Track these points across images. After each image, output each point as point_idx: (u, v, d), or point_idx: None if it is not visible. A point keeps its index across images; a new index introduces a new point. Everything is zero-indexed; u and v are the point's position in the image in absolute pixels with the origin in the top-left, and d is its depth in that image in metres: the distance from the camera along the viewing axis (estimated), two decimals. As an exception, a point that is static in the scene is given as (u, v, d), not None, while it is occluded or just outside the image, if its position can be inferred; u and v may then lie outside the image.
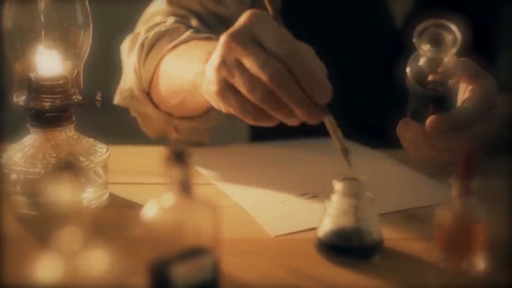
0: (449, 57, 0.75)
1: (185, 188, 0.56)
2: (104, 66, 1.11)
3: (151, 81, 0.92)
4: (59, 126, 0.77)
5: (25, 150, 0.76)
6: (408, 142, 0.78)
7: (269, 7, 0.72)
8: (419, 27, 0.74)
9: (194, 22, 0.97)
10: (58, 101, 0.76)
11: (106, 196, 0.80)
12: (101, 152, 0.79)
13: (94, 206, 0.78)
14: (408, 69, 0.76)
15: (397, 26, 1.02)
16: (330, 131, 0.72)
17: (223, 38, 0.69)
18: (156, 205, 0.56)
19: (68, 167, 0.43)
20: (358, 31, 1.06)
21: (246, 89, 0.67)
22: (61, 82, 0.77)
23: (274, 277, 0.66)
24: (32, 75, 0.76)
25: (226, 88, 0.70)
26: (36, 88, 0.76)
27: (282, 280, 0.65)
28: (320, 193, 0.81)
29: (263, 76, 0.66)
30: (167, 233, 0.56)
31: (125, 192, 0.82)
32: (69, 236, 0.45)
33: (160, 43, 0.90)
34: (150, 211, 0.56)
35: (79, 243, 0.45)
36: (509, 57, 1.03)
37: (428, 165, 0.86)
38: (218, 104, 0.73)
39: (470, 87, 0.79)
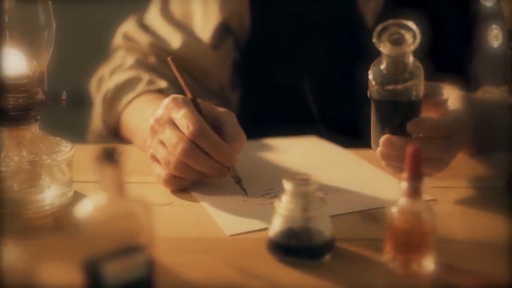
0: (409, 55, 0.75)
1: (117, 186, 0.56)
2: (71, 65, 1.12)
3: (116, 124, 1.06)
4: (23, 125, 0.78)
5: (-11, 148, 0.78)
6: (392, 160, 0.78)
7: (187, 91, 0.85)
8: (378, 27, 0.74)
9: (151, 59, 1.10)
10: (21, 100, 0.77)
11: (70, 194, 0.81)
12: (65, 150, 0.80)
13: (57, 203, 0.79)
14: (370, 76, 0.76)
15: (368, 25, 1.02)
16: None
17: (150, 121, 0.84)
18: (90, 203, 0.57)
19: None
20: (330, 29, 1.06)
21: (163, 162, 0.83)
22: (25, 81, 0.78)
23: (221, 276, 0.66)
24: (-5, 74, 0.78)
25: (153, 161, 0.85)
26: (-1, 87, 0.77)
27: (229, 280, 0.65)
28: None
29: (176, 153, 0.81)
30: (99, 231, 0.56)
31: (91, 191, 0.82)
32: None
33: (118, 96, 1.04)
34: (83, 209, 0.57)
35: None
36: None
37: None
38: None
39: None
